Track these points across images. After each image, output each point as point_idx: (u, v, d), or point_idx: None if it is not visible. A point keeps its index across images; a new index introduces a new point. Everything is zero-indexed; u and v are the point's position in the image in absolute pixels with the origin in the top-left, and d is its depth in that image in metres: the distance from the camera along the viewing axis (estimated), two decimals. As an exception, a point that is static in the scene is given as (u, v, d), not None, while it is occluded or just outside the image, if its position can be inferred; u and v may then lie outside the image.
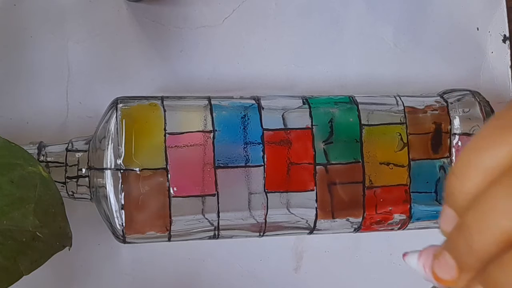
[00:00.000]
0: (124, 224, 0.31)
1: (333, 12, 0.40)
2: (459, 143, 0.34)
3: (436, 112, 0.35)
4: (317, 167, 0.33)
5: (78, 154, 0.33)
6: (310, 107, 0.34)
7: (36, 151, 0.33)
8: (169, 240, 0.32)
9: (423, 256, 0.24)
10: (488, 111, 0.35)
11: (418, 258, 0.25)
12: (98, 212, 0.32)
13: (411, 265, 0.26)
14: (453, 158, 0.34)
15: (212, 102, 0.33)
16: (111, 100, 0.33)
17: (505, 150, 0.18)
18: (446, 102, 0.35)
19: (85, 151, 0.33)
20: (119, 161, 0.31)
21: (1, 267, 0.27)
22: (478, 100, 0.35)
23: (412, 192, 0.34)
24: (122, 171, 0.31)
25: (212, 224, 0.32)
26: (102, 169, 0.31)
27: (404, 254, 0.28)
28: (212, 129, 0.32)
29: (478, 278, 0.19)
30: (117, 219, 0.31)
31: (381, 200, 0.33)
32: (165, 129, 0.31)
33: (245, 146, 0.32)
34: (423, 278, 0.24)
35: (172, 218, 0.31)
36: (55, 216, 0.29)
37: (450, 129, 0.35)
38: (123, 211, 0.31)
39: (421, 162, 0.34)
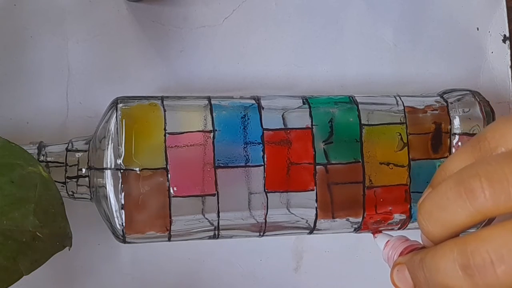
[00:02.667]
0: (124, 224, 0.31)
1: (333, 12, 0.40)
2: (459, 143, 0.34)
3: (436, 112, 0.35)
4: (317, 167, 0.33)
5: (78, 154, 0.33)
6: (310, 107, 0.34)
7: (36, 151, 0.33)
8: (169, 240, 0.32)
9: (389, 247, 0.29)
10: (488, 111, 0.35)
11: (384, 247, 0.28)
12: (98, 212, 0.32)
13: (378, 246, 0.29)
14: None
15: (212, 102, 0.33)
16: (111, 100, 0.33)
17: (462, 214, 0.21)
18: (446, 102, 0.35)
19: (85, 151, 0.33)
20: (119, 161, 0.31)
21: (1, 267, 0.27)
22: (478, 100, 0.35)
23: (412, 192, 0.34)
24: (122, 171, 0.31)
25: (212, 224, 0.32)
26: (102, 169, 0.31)
27: (375, 233, 0.31)
28: (212, 129, 0.32)
29: None
30: (117, 219, 0.31)
31: (381, 200, 0.33)
32: (165, 129, 0.31)
33: (245, 146, 0.32)
34: (383, 260, 0.29)
35: (172, 218, 0.31)
36: (55, 216, 0.29)
37: (450, 129, 0.35)
38: (123, 211, 0.31)
39: (421, 162, 0.34)
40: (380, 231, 0.33)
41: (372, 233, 0.34)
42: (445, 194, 0.21)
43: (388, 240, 0.30)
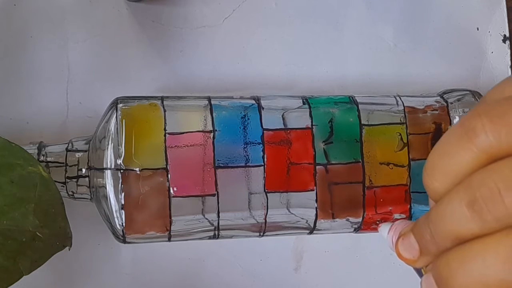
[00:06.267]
0: (124, 224, 0.31)
1: (333, 12, 0.40)
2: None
3: (436, 112, 0.35)
4: (317, 167, 0.33)
5: (78, 154, 0.33)
6: (310, 107, 0.34)
7: (36, 151, 0.33)
8: (169, 240, 0.32)
9: (392, 230, 0.28)
10: (488, 111, 0.35)
11: (388, 231, 0.28)
12: (98, 212, 0.32)
13: (382, 235, 0.29)
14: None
15: (212, 102, 0.33)
16: (111, 100, 0.33)
17: (466, 157, 0.20)
18: (446, 102, 0.35)
19: (85, 151, 0.33)
20: (119, 161, 0.31)
21: (1, 267, 0.27)
22: (478, 100, 0.35)
23: (412, 192, 0.34)
24: (122, 171, 0.31)
25: (212, 224, 0.32)
26: (102, 169, 0.31)
27: (379, 224, 0.31)
28: (212, 129, 0.32)
29: (432, 263, 0.22)
30: (117, 219, 0.31)
31: (381, 200, 0.33)
32: (165, 129, 0.31)
33: (245, 146, 0.32)
34: (389, 247, 0.28)
35: (172, 218, 0.31)
36: (55, 216, 0.29)
37: (450, 129, 0.35)
38: (123, 211, 0.31)
39: (421, 162, 0.34)
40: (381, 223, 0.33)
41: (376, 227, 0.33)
42: (447, 140, 0.21)
43: (391, 225, 0.30)
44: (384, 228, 0.30)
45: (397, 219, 0.34)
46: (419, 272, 0.25)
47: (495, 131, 0.19)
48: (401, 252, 0.23)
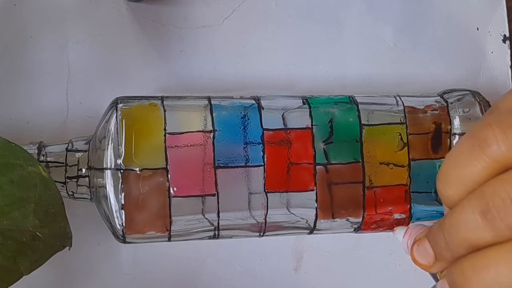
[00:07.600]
0: (124, 224, 0.31)
1: (333, 12, 0.40)
2: (459, 143, 0.34)
3: (436, 112, 0.35)
4: (317, 167, 0.33)
5: (78, 154, 0.33)
6: (310, 107, 0.34)
7: (36, 151, 0.33)
8: (169, 240, 0.32)
9: (407, 234, 0.27)
10: (488, 111, 0.35)
11: (404, 235, 0.28)
12: (98, 212, 0.32)
13: (397, 239, 0.29)
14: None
15: (212, 102, 0.33)
16: (111, 100, 0.33)
17: (479, 167, 0.21)
18: (446, 102, 0.35)
19: (85, 151, 0.33)
20: (119, 161, 0.31)
21: (1, 267, 0.27)
22: (478, 100, 0.35)
23: (412, 192, 0.34)
24: (122, 171, 0.31)
25: (212, 224, 0.32)
26: (102, 169, 0.31)
27: (394, 228, 0.31)
28: (212, 129, 0.32)
29: (447, 270, 0.22)
30: (117, 219, 0.31)
31: (381, 200, 0.33)
32: (165, 129, 0.31)
33: (245, 146, 0.32)
34: (404, 251, 0.28)
35: (172, 218, 0.31)
36: (55, 216, 0.29)
37: (450, 129, 0.35)
38: (123, 211, 0.31)
39: (421, 162, 0.34)
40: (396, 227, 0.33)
41: (391, 229, 0.33)
42: (459, 150, 0.21)
43: (407, 229, 0.30)
44: (399, 231, 0.31)
45: (401, 220, 0.34)
46: (435, 277, 0.25)
47: (507, 141, 0.20)
48: (416, 257, 0.24)
